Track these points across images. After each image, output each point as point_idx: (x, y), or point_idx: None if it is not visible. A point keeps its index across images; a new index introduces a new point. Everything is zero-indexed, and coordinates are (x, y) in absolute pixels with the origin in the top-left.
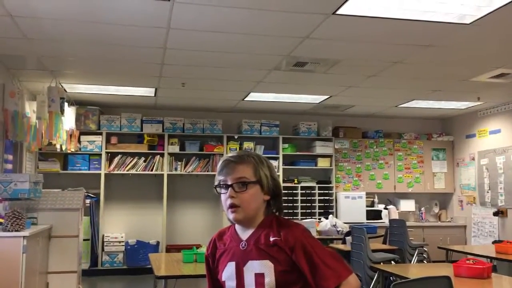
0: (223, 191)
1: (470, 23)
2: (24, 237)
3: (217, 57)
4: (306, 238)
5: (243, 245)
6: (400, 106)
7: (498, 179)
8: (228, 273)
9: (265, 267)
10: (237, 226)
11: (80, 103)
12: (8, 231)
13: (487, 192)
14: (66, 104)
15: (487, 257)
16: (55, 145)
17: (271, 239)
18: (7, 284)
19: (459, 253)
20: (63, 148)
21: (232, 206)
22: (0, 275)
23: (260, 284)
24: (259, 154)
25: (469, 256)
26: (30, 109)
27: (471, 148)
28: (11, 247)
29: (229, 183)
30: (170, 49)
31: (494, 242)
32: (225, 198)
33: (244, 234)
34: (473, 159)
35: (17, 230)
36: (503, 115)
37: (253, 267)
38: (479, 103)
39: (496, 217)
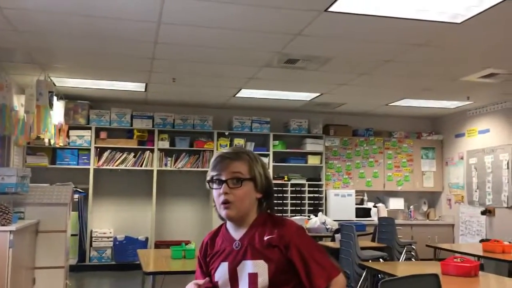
0: (216, 186)
1: (461, 23)
2: (10, 231)
3: (208, 52)
4: (300, 236)
5: (237, 245)
6: (390, 104)
7: (486, 178)
8: (220, 273)
9: (259, 267)
10: (228, 225)
11: (69, 97)
12: None
13: (475, 191)
14: (55, 98)
15: (474, 255)
16: (43, 139)
17: (266, 238)
18: None
19: (447, 251)
20: (52, 142)
21: (225, 202)
22: None
23: (254, 283)
24: (253, 152)
25: (457, 255)
26: (18, 102)
27: (460, 147)
28: None
29: (223, 178)
30: (161, 43)
31: (482, 240)
32: (217, 194)
33: (237, 233)
34: (462, 158)
35: (3, 225)
36: (492, 115)
37: (247, 267)
38: (468, 102)
39: (484, 216)
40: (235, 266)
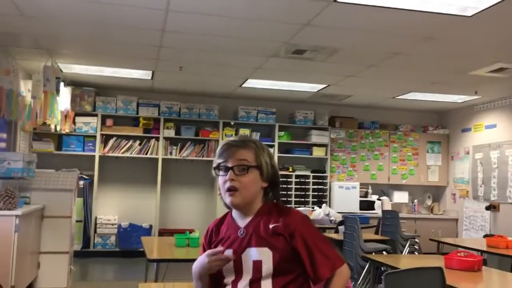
0: (221, 173)
1: (472, 16)
2: (16, 216)
3: (215, 41)
4: (306, 225)
5: (242, 232)
6: (397, 97)
7: (491, 173)
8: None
9: (264, 254)
10: (234, 213)
11: (76, 83)
12: (1, 209)
13: (480, 186)
14: (61, 84)
15: (478, 250)
16: (49, 125)
17: (271, 226)
18: None
19: (450, 245)
20: (58, 128)
21: (230, 189)
22: None
23: (258, 271)
24: (260, 141)
25: (460, 249)
26: (25, 88)
27: (466, 142)
28: (3, 225)
29: (230, 165)
30: (169, 31)
31: (485, 236)
32: (223, 181)
33: (242, 221)
34: (468, 153)
35: (9, 209)
36: (500, 110)
37: (251, 254)
38: (476, 97)
39: (488, 211)
40: (240, 253)
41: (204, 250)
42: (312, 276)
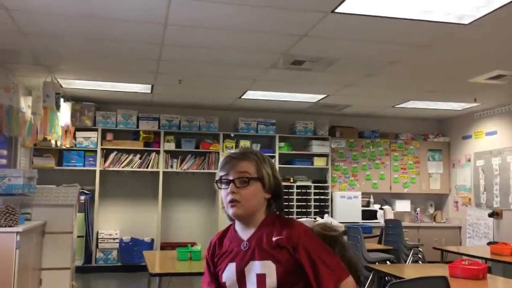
0: (223, 186)
1: (469, 23)
2: (17, 232)
3: (214, 54)
4: (309, 237)
5: (245, 245)
6: (397, 106)
7: (493, 180)
8: (228, 274)
9: (267, 267)
10: (237, 226)
11: (75, 99)
12: (2, 226)
13: (483, 193)
14: (61, 99)
15: (482, 258)
16: (50, 140)
17: (274, 238)
18: (0, 280)
19: (454, 254)
20: (58, 144)
21: (232, 201)
22: None
23: (262, 284)
24: (262, 152)
25: (464, 257)
26: (25, 104)
27: (467, 149)
28: (5, 242)
29: (231, 178)
30: (167, 45)
31: (489, 243)
32: (225, 194)
33: (245, 234)
34: (469, 160)
35: (10, 226)
36: (500, 116)
37: (254, 267)
38: (475, 104)
39: (491, 219)
40: (243, 266)
41: (208, 264)
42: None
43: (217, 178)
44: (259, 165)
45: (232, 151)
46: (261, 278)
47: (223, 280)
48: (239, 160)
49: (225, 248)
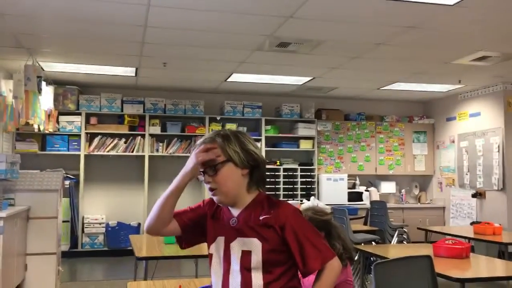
0: (201, 178)
1: (454, 4)
2: (0, 218)
3: (199, 36)
4: (297, 217)
5: (233, 221)
6: (382, 88)
7: (477, 161)
8: (216, 246)
9: (253, 244)
10: None
11: (58, 82)
12: None
13: (466, 174)
14: (43, 83)
15: (465, 237)
16: (32, 125)
17: (261, 217)
18: None
19: (438, 234)
20: (41, 128)
21: (211, 189)
22: None
23: (247, 261)
24: (229, 131)
25: (448, 237)
26: (7, 88)
27: (451, 130)
28: None
29: (201, 169)
30: (151, 27)
31: (473, 223)
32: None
33: (235, 210)
34: (453, 141)
35: None
36: (483, 98)
37: (240, 244)
38: (460, 86)
39: (475, 199)
40: (230, 242)
41: (196, 210)
42: (301, 268)
43: (184, 172)
44: (224, 147)
45: (199, 141)
46: (246, 255)
47: (210, 252)
48: (204, 148)
49: (220, 220)
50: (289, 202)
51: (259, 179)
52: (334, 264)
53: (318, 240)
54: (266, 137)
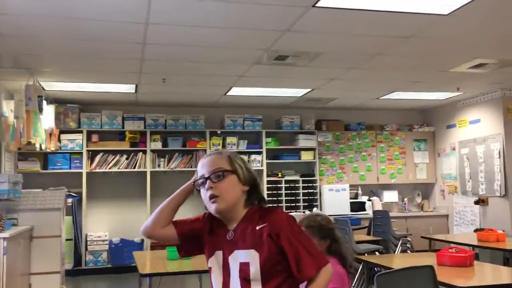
0: (202, 187)
1: (448, 14)
2: (4, 238)
3: (197, 52)
4: (291, 224)
5: (230, 235)
6: (381, 98)
7: (478, 168)
8: (215, 260)
9: (251, 256)
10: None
11: (59, 101)
12: None
13: (468, 181)
14: (44, 102)
15: (469, 245)
16: (34, 144)
17: (258, 227)
18: None
19: (442, 242)
20: (43, 147)
21: (212, 197)
22: None
23: (245, 273)
24: (230, 150)
25: (452, 245)
26: (8, 108)
27: (451, 138)
28: None
29: (206, 175)
30: (150, 44)
31: (476, 230)
32: (204, 193)
33: (230, 224)
34: (454, 149)
35: None
36: (482, 105)
37: (239, 256)
38: (458, 93)
39: (477, 206)
40: (228, 255)
41: (194, 223)
42: (296, 274)
43: (192, 180)
44: (231, 159)
45: (203, 156)
46: (244, 267)
47: (209, 265)
48: (211, 158)
49: (216, 230)
50: (283, 210)
51: (260, 199)
52: (327, 270)
53: (312, 247)
54: (267, 149)
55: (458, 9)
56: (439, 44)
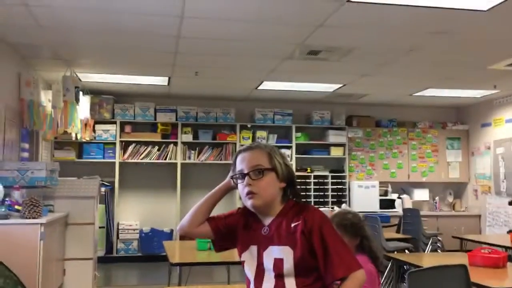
0: (239, 181)
1: (488, 10)
2: (41, 224)
3: (230, 45)
4: (325, 223)
5: (265, 230)
6: (414, 94)
7: None
8: (248, 254)
9: (285, 252)
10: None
11: (94, 92)
12: (26, 218)
13: (503, 181)
14: (80, 93)
15: (502, 246)
16: (70, 134)
17: (292, 224)
18: (26, 270)
19: (474, 242)
20: (78, 137)
21: (249, 193)
22: (19, 261)
23: (279, 269)
24: (270, 144)
25: (484, 246)
26: (46, 98)
27: (486, 137)
28: (29, 234)
29: (246, 171)
30: (184, 38)
31: (509, 231)
32: (242, 187)
33: (266, 220)
34: (489, 148)
35: (34, 217)
36: None
37: (273, 252)
38: (495, 91)
39: (511, 207)
40: (262, 250)
41: (227, 218)
42: (323, 272)
43: (231, 174)
44: (271, 156)
45: (243, 147)
46: (278, 263)
47: (242, 259)
48: (251, 153)
49: (250, 225)
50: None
51: (295, 195)
52: (358, 276)
53: (343, 249)
54: (296, 144)
55: (497, 5)
56: (476, 41)
